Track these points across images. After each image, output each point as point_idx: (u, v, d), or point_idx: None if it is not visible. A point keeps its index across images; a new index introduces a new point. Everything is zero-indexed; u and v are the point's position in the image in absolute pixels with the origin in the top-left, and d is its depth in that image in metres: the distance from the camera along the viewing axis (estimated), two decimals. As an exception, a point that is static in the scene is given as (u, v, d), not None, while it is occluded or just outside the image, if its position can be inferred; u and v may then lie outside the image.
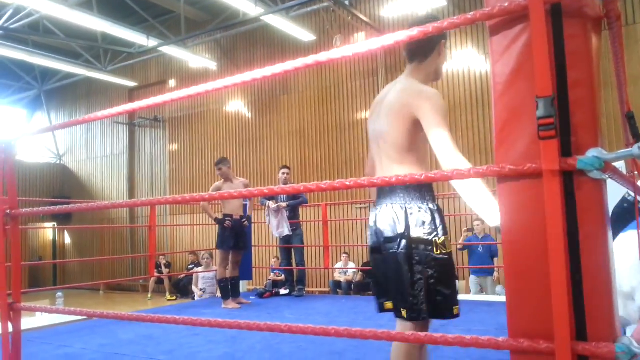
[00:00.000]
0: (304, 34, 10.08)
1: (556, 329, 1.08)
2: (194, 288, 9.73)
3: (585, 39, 1.15)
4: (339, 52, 1.40)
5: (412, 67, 2.05)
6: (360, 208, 10.14)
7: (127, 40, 10.60)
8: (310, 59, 1.43)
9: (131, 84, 13.67)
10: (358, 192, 9.45)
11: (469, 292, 7.63)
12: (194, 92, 1.65)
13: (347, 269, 9.42)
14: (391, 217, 1.92)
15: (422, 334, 1.41)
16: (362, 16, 9.73)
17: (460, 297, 7.21)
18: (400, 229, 1.88)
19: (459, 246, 7.99)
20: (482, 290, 7.39)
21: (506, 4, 1.16)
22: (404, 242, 1.87)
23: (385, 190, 1.96)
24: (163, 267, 12.02)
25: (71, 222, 15.03)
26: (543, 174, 1.12)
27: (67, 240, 16.01)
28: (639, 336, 1.30)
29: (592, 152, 1.11)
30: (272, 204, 6.21)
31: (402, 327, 1.94)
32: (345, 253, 9.72)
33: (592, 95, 1.15)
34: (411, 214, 1.89)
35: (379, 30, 10.01)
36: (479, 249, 7.47)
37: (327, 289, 10.04)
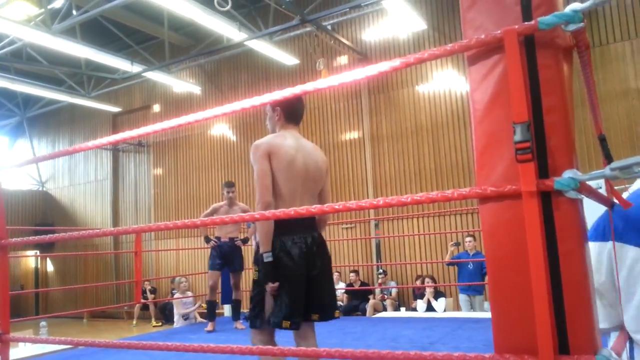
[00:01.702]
0: (288, 58, 10.20)
1: (539, 344, 1.12)
2: (175, 314, 9.54)
3: (558, 68, 1.22)
4: (325, 82, 1.46)
5: (296, 128, 2.61)
6: (346, 228, 10.17)
7: (111, 66, 10.61)
8: (298, 89, 1.48)
9: (115, 109, 13.64)
10: (344, 213, 9.47)
11: (458, 309, 7.58)
12: (184, 121, 1.69)
13: (337, 289, 9.35)
14: (325, 243, 2.62)
15: (412, 352, 1.43)
16: (344, 40, 9.91)
17: (450, 314, 7.18)
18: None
19: (445, 263, 7.97)
20: (472, 309, 7.30)
21: (482, 36, 1.24)
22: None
23: (313, 222, 2.57)
24: (148, 293, 11.84)
25: (54, 249, 14.78)
26: (522, 195, 1.18)
27: (50, 267, 15.72)
28: (617, 347, 1.36)
29: (567, 174, 1.17)
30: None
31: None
32: (337, 272, 9.67)
33: (566, 119, 1.22)
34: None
35: (361, 53, 10.19)
36: (469, 266, 7.26)
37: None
